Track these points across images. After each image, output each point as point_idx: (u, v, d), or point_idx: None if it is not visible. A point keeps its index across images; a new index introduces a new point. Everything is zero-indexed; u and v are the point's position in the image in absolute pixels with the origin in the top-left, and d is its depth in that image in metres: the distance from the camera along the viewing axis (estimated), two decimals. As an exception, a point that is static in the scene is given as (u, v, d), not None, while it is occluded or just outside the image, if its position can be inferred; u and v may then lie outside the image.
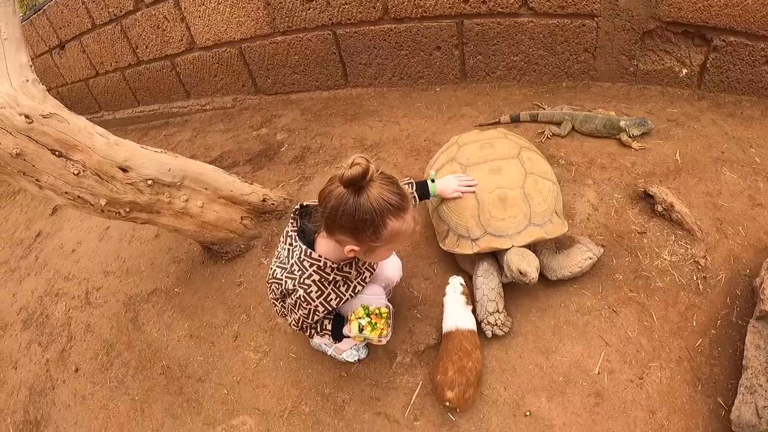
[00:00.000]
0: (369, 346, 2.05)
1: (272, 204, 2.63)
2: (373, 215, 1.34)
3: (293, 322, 1.74)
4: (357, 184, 1.32)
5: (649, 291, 1.96)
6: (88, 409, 2.33)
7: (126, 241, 3.13)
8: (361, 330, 1.68)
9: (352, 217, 1.35)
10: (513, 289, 2.02)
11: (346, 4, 3.18)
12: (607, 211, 2.25)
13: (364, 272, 1.74)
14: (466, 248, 1.96)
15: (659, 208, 2.15)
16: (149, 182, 2.18)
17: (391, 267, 1.98)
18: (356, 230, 1.39)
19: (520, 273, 1.78)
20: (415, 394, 1.89)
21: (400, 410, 1.86)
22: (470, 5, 2.94)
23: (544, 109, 2.87)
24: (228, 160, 3.38)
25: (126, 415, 2.22)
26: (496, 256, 2.01)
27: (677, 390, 1.71)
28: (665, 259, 2.02)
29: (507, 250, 1.88)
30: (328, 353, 2.05)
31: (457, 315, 1.90)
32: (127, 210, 2.18)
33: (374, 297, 1.79)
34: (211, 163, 2.67)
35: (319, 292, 1.62)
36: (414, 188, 1.94)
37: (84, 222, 3.54)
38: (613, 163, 2.46)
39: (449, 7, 2.99)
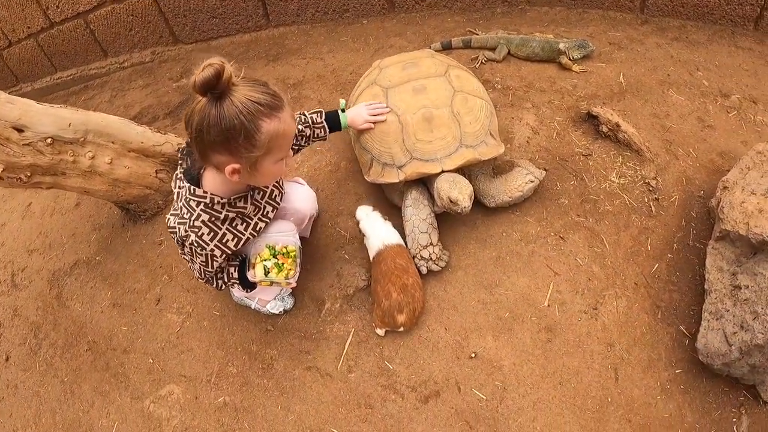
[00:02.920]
0: (294, 294, 1.91)
1: (190, 154, 2.42)
2: (241, 119, 1.18)
3: (197, 274, 1.58)
4: (213, 88, 1.16)
5: (598, 215, 1.88)
6: (21, 399, 2.20)
7: (48, 215, 2.94)
8: (266, 273, 1.53)
9: (219, 126, 1.18)
10: (448, 219, 1.89)
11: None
12: (549, 134, 2.14)
13: (264, 206, 1.56)
14: (392, 177, 1.79)
15: (604, 129, 2.06)
16: (48, 141, 2.02)
17: (299, 197, 1.80)
18: (227, 142, 1.21)
19: (451, 201, 1.63)
20: (348, 342, 1.77)
21: (333, 362, 1.75)
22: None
23: (477, 34, 2.71)
24: (148, 115, 3.19)
25: (57, 399, 2.11)
26: (426, 184, 1.85)
27: (635, 319, 1.65)
28: (613, 182, 1.95)
29: (437, 176, 1.73)
30: (252, 307, 1.91)
31: (380, 232, 1.78)
32: (29, 174, 2.01)
33: (282, 235, 1.62)
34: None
35: (212, 234, 1.44)
36: (323, 117, 1.79)
37: (6, 203, 3.32)
38: (552, 86, 2.36)
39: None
